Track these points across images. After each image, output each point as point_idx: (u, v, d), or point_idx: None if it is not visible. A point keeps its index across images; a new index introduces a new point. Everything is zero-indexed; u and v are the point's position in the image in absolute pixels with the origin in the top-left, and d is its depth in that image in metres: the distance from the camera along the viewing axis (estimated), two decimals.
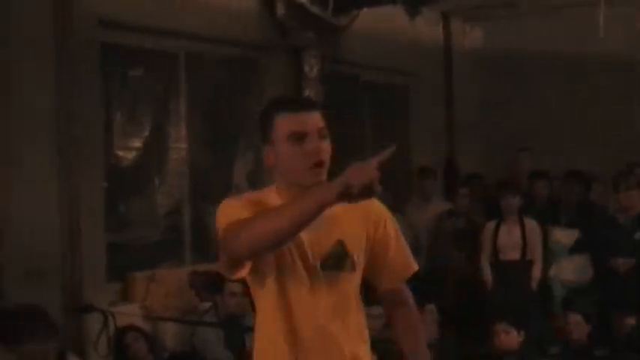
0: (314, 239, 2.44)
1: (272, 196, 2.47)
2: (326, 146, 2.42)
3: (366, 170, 2.13)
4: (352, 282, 2.51)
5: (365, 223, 2.55)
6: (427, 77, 8.46)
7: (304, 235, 2.39)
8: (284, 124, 2.40)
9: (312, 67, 6.77)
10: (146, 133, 6.07)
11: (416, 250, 7.10)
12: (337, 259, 2.47)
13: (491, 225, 6.70)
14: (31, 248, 4.96)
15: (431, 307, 5.73)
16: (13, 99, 4.97)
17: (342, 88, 7.53)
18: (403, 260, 2.63)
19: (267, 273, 2.43)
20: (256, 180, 6.88)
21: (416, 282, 7.14)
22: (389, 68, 7.98)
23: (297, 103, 2.52)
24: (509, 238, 6.58)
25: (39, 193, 5.05)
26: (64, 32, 5.11)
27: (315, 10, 6.66)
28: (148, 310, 5.66)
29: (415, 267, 2.65)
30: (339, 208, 2.36)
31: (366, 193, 2.14)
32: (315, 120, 2.42)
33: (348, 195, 2.14)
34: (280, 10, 6.59)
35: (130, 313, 5.41)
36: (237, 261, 2.37)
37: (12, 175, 4.97)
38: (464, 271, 6.87)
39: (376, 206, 2.58)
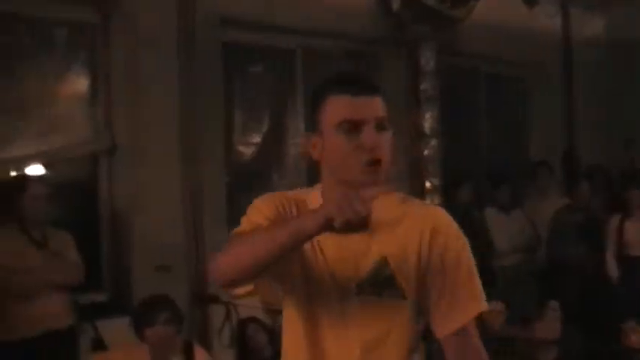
0: (349, 253, 1.97)
1: (314, 199, 2.01)
2: (385, 140, 1.94)
3: (352, 203, 1.70)
4: (399, 313, 1.95)
5: (419, 238, 1.96)
6: (546, 68, 8.25)
7: (337, 247, 1.96)
8: (337, 108, 1.93)
9: (428, 61, 6.71)
10: (265, 129, 6.16)
11: (536, 247, 7.05)
12: (378, 282, 1.94)
13: (615, 219, 6.48)
14: (158, 243, 5.13)
15: (554, 304, 5.59)
16: (139, 98, 5.15)
17: (458, 80, 7.44)
18: (465, 296, 1.97)
19: (289, 290, 2.02)
20: None
21: (537, 279, 7.02)
22: (507, 60, 7.83)
23: (357, 84, 1.96)
24: (637, 233, 6.35)
25: (163, 189, 5.21)
26: (188, 32, 5.25)
27: (430, 2, 6.60)
28: (268, 303, 5.74)
29: (481, 307, 1.98)
30: (386, 212, 1.97)
31: (353, 228, 1.79)
32: (375, 107, 1.94)
33: (331, 228, 1.74)
34: (396, 3, 6.56)
35: (251, 306, 5.50)
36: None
37: (138, 173, 5.16)
38: (586, 267, 6.67)
39: (439, 217, 2.02)
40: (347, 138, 1.91)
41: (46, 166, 4.98)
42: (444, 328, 1.97)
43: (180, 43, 5.27)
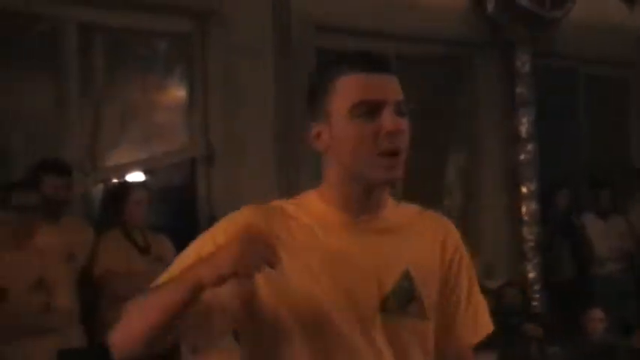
0: (372, 266, 1.65)
1: (311, 203, 1.72)
2: (406, 128, 1.62)
3: (241, 253, 1.47)
4: (420, 333, 1.68)
5: (439, 252, 1.72)
6: None
7: (361, 258, 1.64)
8: (350, 89, 1.60)
9: (524, 63, 6.60)
10: None
11: (638, 254, 6.85)
12: (402, 298, 1.64)
13: None
14: None
15: None
16: (236, 105, 5.25)
17: (556, 82, 7.30)
18: (475, 318, 1.80)
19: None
20: (468, 179, 6.83)
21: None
22: (606, 60, 7.63)
23: (373, 60, 1.63)
24: None
25: (260, 194, 5.25)
26: (283, 39, 5.32)
27: (526, 3, 6.50)
28: None
29: (489, 329, 1.82)
30: (407, 218, 1.72)
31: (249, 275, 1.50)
32: (395, 87, 1.62)
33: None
34: (490, 5, 6.49)
35: None
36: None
37: (235, 178, 5.26)
38: None
39: (453, 232, 1.77)
40: (363, 122, 1.58)
41: (146, 172, 5.13)
42: (451, 344, 1.76)
43: (276, 49, 5.35)
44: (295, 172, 5.36)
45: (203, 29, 5.33)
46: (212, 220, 5.28)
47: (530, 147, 6.50)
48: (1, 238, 3.75)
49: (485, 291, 6.16)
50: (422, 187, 6.54)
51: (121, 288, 4.28)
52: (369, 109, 1.58)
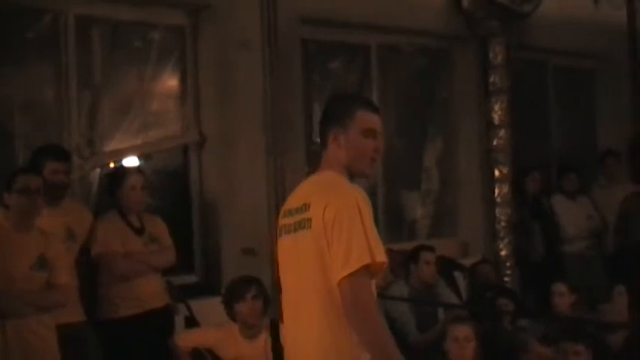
0: None
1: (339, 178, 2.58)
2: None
3: None
4: None
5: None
6: (613, 59, 8.06)
7: None
8: (365, 119, 2.61)
9: (497, 54, 6.63)
10: None
11: (603, 232, 6.93)
12: None
13: None
14: (245, 229, 5.23)
15: (620, 288, 5.48)
16: (227, 95, 5.25)
17: (527, 73, 7.34)
18: (344, 256, 2.39)
19: None
20: (445, 164, 6.87)
21: (606, 264, 6.86)
22: (574, 52, 7.68)
23: (374, 106, 2.72)
24: None
25: (249, 179, 5.31)
26: (271, 31, 5.32)
27: None
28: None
29: (356, 264, 2.36)
30: None
31: None
32: (381, 124, 2.67)
33: None
34: (466, 1, 6.52)
35: None
36: None
37: (226, 164, 5.26)
38: None
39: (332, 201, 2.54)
40: (366, 140, 2.61)
41: (141, 158, 5.13)
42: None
43: (265, 41, 5.35)
44: (282, 157, 5.37)
45: (196, 22, 5.32)
46: (203, 203, 5.32)
47: (503, 133, 6.54)
48: (6, 220, 3.75)
49: (461, 268, 6.12)
50: (401, 172, 6.59)
51: (117, 266, 4.31)
52: (372, 134, 2.62)
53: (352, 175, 2.61)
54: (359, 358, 2.43)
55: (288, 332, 2.67)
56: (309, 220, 2.50)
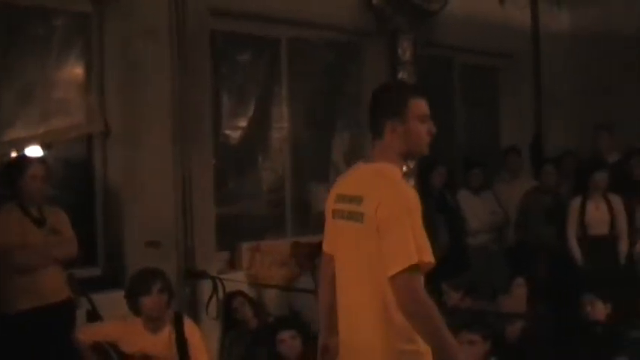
0: None
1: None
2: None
3: None
4: None
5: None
6: (516, 58, 8.34)
7: None
8: (418, 106, 2.78)
9: (405, 51, 6.76)
10: (251, 114, 6.21)
11: (505, 226, 7.16)
12: None
13: (576, 201, 6.57)
14: (149, 221, 5.19)
15: (519, 281, 5.69)
16: (133, 84, 5.19)
17: (434, 70, 7.50)
18: (390, 253, 2.63)
19: None
20: (352, 157, 6.96)
21: (506, 257, 7.09)
22: (480, 51, 7.90)
23: (422, 91, 2.88)
24: (597, 213, 6.44)
25: (155, 170, 5.26)
26: (179, 22, 5.28)
27: None
28: (253, 277, 5.82)
29: (402, 264, 2.57)
30: None
31: None
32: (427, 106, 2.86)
33: None
34: None
35: (237, 280, 5.58)
36: None
37: (132, 155, 5.20)
38: (554, 246, 6.77)
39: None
40: (424, 126, 2.78)
41: (44, 147, 5.01)
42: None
43: (173, 31, 5.30)
44: (189, 148, 5.35)
45: (101, 10, 5.23)
46: (107, 194, 5.25)
47: None
48: None
49: None
50: (310, 165, 6.65)
51: (14, 258, 4.20)
52: (426, 119, 2.79)
53: (409, 158, 2.86)
54: (403, 347, 2.65)
55: (343, 320, 2.85)
56: (362, 214, 2.69)
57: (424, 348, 2.63)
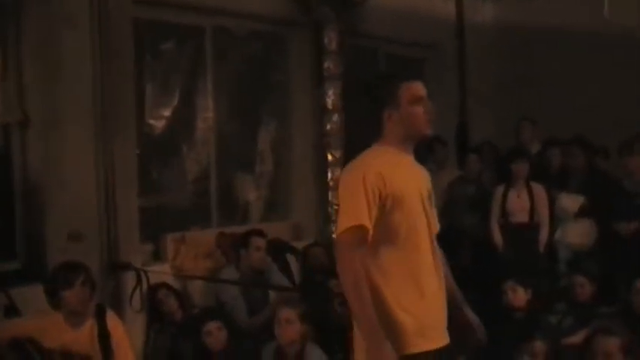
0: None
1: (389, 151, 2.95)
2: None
3: None
4: None
5: None
6: (442, 49, 8.47)
7: None
8: (409, 90, 2.92)
9: (331, 41, 6.79)
10: (175, 104, 6.16)
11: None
12: None
13: (499, 190, 6.74)
14: (71, 213, 5.10)
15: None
16: (53, 73, 5.07)
17: (360, 60, 7.56)
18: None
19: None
20: (279, 147, 6.98)
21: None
22: (405, 41, 7.99)
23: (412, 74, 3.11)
24: (518, 202, 6.62)
25: (77, 160, 5.17)
26: (101, 9, 5.19)
27: None
28: (178, 269, 5.78)
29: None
30: None
31: None
32: (424, 87, 2.98)
33: None
34: None
35: (161, 272, 5.54)
36: None
37: (52, 144, 5.10)
38: (477, 234, 6.93)
39: None
40: (419, 108, 2.90)
41: None
42: None
43: (94, 19, 5.20)
44: (111, 138, 5.27)
45: None
46: (26, 186, 5.13)
47: (336, 118, 6.71)
48: None
49: (293, 250, 6.28)
50: (235, 154, 6.64)
51: None
52: (419, 100, 2.92)
53: (414, 141, 2.98)
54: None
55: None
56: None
57: None
